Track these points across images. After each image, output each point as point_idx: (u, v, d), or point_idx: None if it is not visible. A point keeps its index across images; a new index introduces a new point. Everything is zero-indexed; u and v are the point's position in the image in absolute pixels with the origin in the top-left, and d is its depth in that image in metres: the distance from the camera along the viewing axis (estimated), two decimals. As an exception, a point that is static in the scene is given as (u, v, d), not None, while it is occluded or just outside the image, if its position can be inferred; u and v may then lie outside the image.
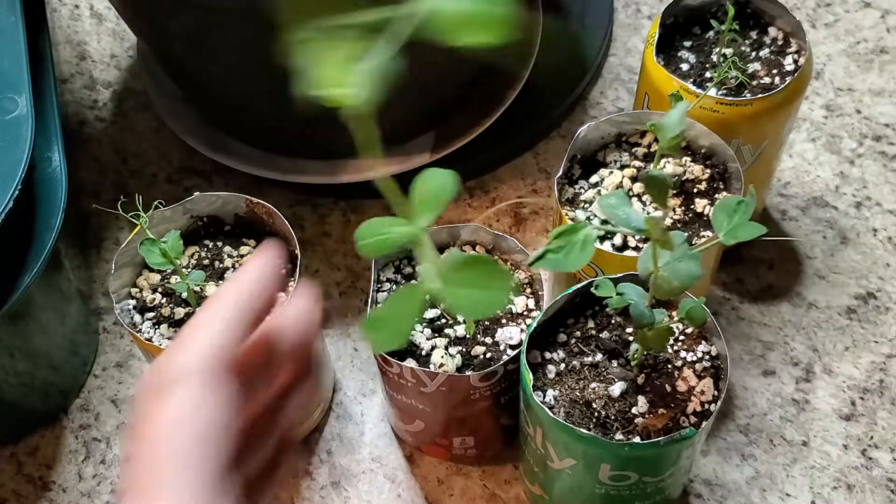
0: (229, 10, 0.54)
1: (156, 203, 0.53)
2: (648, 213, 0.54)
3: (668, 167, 0.55)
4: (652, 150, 0.57)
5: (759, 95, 0.55)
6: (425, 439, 0.58)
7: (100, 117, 0.75)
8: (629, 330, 0.50)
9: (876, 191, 0.69)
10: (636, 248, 0.53)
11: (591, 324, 0.50)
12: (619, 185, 0.55)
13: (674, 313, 0.49)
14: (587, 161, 0.57)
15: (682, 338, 0.50)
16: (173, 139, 0.72)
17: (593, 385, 0.48)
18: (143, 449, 0.35)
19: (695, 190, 0.55)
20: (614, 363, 0.49)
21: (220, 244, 0.56)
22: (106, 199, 0.71)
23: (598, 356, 0.49)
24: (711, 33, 0.59)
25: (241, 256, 0.55)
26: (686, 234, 0.49)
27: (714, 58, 0.58)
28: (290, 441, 0.42)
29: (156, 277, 0.54)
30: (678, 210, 0.54)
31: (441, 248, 0.55)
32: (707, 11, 0.60)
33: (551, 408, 0.48)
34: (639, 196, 0.55)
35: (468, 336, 0.52)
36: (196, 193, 0.55)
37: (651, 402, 0.47)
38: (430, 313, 0.53)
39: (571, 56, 0.74)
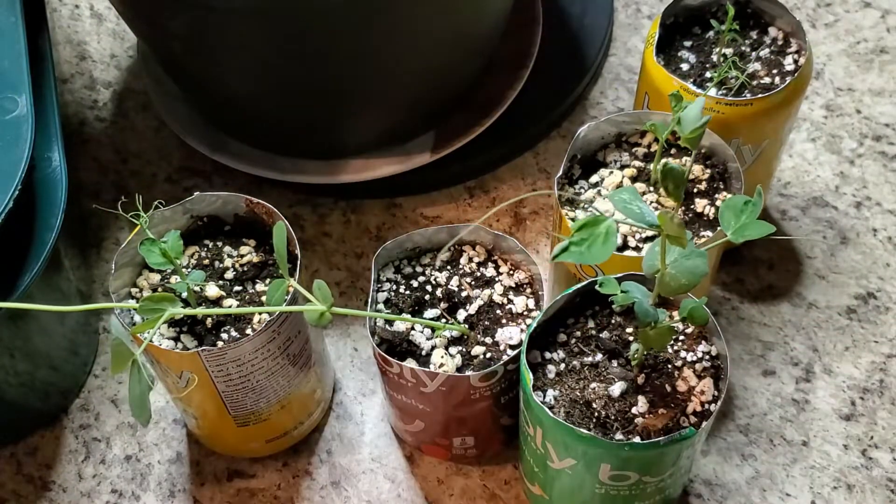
0: (229, 10, 0.54)
1: (156, 203, 0.53)
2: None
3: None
4: (652, 150, 0.57)
5: (759, 95, 0.55)
6: (425, 439, 0.58)
7: (100, 117, 0.75)
8: (629, 330, 0.50)
9: (876, 191, 0.69)
10: (636, 249, 0.53)
11: (591, 324, 0.50)
12: (620, 185, 0.55)
13: (675, 313, 0.49)
14: (587, 161, 0.57)
15: (682, 338, 0.50)
16: (173, 139, 0.73)
17: (593, 385, 0.48)
18: None
19: (695, 190, 0.55)
20: (614, 363, 0.49)
21: (220, 244, 0.56)
22: (106, 199, 0.71)
23: (598, 356, 0.49)
24: (711, 33, 0.59)
25: (241, 256, 0.55)
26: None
27: (714, 58, 0.58)
28: None
29: (156, 277, 0.54)
30: (678, 210, 0.54)
31: (441, 248, 0.55)
32: (707, 11, 0.60)
33: (551, 408, 0.48)
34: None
35: (467, 336, 0.52)
36: (196, 193, 0.55)
37: (651, 402, 0.47)
38: (430, 313, 0.53)
39: (571, 56, 0.74)
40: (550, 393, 0.48)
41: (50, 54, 0.65)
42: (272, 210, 0.54)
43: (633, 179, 0.56)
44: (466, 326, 0.53)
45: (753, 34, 0.59)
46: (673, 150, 0.56)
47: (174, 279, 0.54)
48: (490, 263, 0.55)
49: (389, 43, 0.59)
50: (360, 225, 0.69)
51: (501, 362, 0.50)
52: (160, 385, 0.59)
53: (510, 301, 0.54)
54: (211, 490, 0.60)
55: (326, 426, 0.62)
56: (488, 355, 0.52)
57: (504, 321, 0.53)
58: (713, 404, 0.47)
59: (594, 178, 0.56)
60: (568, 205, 0.55)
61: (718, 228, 0.51)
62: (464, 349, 0.52)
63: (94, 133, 0.74)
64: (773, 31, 0.59)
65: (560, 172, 0.54)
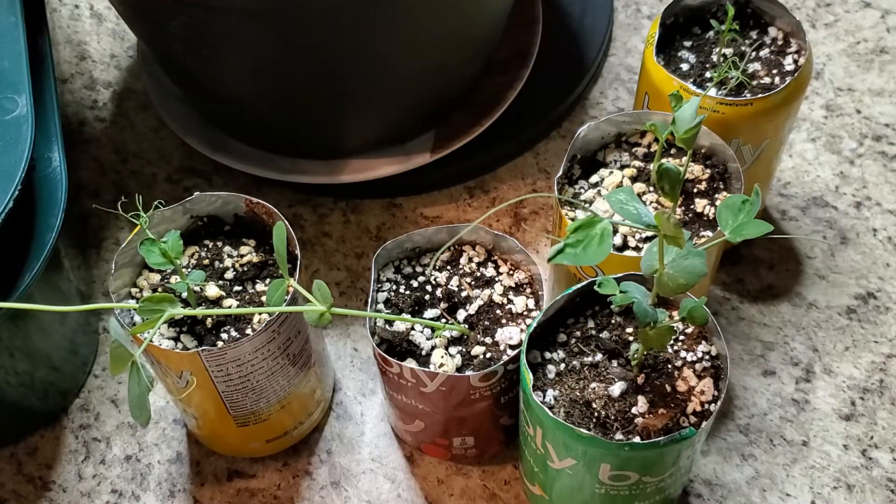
0: (229, 10, 0.54)
1: (156, 203, 0.53)
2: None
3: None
4: (652, 150, 0.57)
5: (759, 95, 0.55)
6: (425, 439, 0.58)
7: (100, 117, 0.75)
8: (629, 330, 0.50)
9: (876, 191, 0.69)
10: (636, 249, 0.53)
11: (591, 324, 0.50)
12: (620, 185, 0.55)
13: (674, 313, 0.49)
14: (587, 161, 0.57)
15: (681, 338, 0.50)
16: (173, 139, 0.73)
17: (593, 385, 0.48)
18: None
19: (695, 190, 0.55)
20: (614, 363, 0.49)
21: (220, 244, 0.56)
22: (106, 199, 0.71)
23: (598, 356, 0.49)
24: (711, 33, 0.59)
25: (241, 256, 0.55)
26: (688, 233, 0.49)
27: (714, 58, 0.58)
28: None
29: (156, 277, 0.54)
30: (678, 210, 0.54)
31: (440, 248, 0.55)
32: (707, 11, 0.60)
33: (551, 408, 0.48)
34: (639, 196, 0.55)
35: (467, 336, 0.52)
36: (196, 193, 0.55)
37: (651, 402, 0.47)
38: (430, 313, 0.53)
39: (571, 56, 0.74)
40: (550, 393, 0.48)
41: (50, 54, 0.65)
42: (272, 210, 0.54)
43: (633, 179, 0.56)
44: (466, 326, 0.53)
45: (753, 34, 0.59)
46: (673, 150, 0.56)
47: (174, 279, 0.54)
48: (490, 263, 0.55)
49: (389, 43, 0.59)
50: (360, 225, 0.69)
51: (501, 362, 0.50)
52: (160, 385, 0.59)
53: (510, 301, 0.54)
54: (211, 490, 0.60)
55: (326, 426, 0.62)
56: (488, 355, 0.52)
57: (504, 321, 0.53)
58: (713, 404, 0.47)
59: (594, 178, 0.56)
60: (567, 205, 0.55)
61: (718, 229, 0.51)
62: (464, 349, 0.52)
63: (94, 133, 0.74)
64: (772, 31, 0.59)
65: (560, 172, 0.54)
